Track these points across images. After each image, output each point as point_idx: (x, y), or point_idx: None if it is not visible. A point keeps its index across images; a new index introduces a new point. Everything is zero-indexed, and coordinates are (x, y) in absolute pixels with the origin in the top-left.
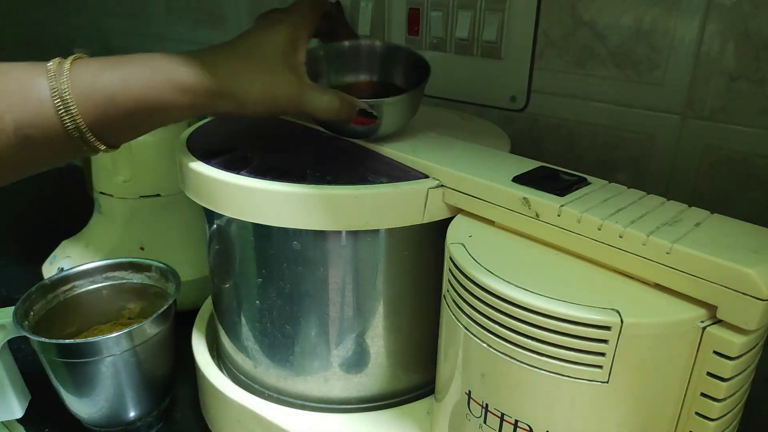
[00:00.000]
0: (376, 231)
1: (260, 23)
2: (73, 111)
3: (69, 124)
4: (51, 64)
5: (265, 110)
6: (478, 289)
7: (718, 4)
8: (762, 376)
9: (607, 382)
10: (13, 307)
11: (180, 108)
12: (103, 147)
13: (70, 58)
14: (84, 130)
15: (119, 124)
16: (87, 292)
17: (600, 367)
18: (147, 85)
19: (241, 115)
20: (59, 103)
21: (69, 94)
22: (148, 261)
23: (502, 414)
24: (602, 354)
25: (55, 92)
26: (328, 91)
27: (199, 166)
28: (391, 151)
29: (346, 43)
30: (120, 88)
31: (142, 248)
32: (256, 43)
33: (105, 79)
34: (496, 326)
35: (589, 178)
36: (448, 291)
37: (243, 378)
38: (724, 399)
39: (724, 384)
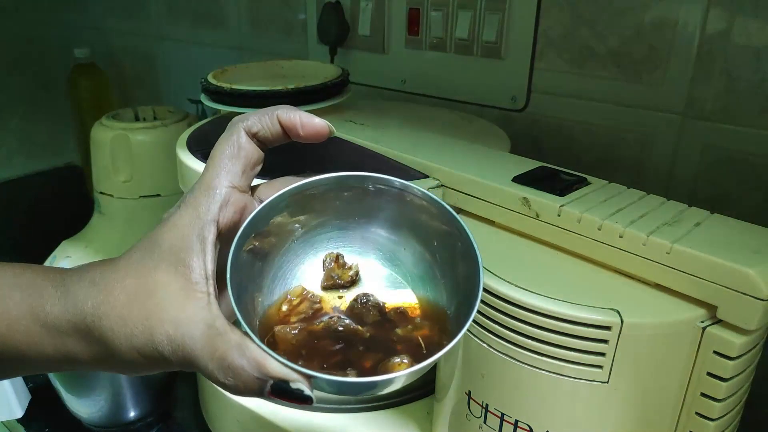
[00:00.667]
0: None
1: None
2: None
3: None
4: None
5: (143, 365)
6: None
7: (719, 4)
8: (762, 375)
9: (607, 382)
10: None
11: (43, 357)
12: None
13: None
14: None
15: None
16: None
17: (600, 367)
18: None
19: (119, 372)
20: None
21: None
22: None
23: (502, 414)
24: (602, 354)
25: None
26: (230, 340)
27: (199, 166)
28: (391, 151)
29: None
30: None
31: None
32: (147, 245)
33: None
34: (496, 326)
35: (589, 178)
36: None
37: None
38: (724, 399)
39: (724, 384)
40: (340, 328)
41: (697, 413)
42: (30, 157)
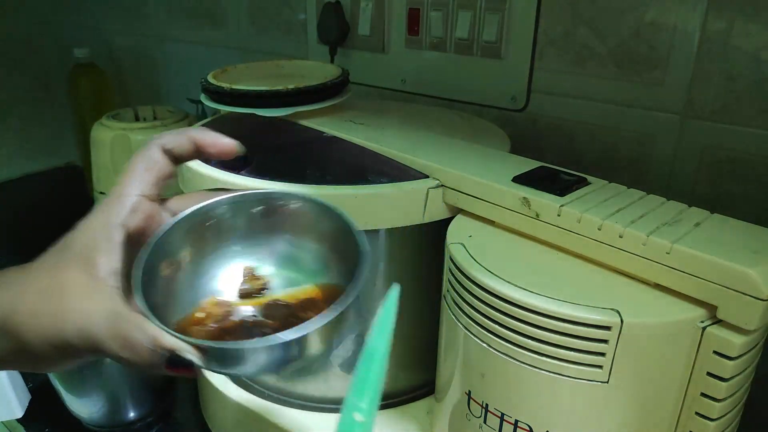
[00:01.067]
0: (376, 231)
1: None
2: None
3: None
4: None
5: (56, 357)
6: (478, 289)
7: (719, 4)
8: (762, 375)
9: (607, 382)
10: None
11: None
12: None
13: None
14: None
15: None
16: None
17: (600, 367)
18: None
19: (34, 370)
20: None
21: None
22: None
23: (502, 414)
24: (602, 354)
25: None
26: (130, 320)
27: (199, 166)
28: (391, 151)
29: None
30: None
31: None
32: (60, 247)
33: None
34: (496, 326)
35: (589, 178)
36: (448, 291)
37: (243, 378)
38: (724, 399)
39: (724, 384)
40: (251, 320)
41: (697, 413)
42: (30, 157)
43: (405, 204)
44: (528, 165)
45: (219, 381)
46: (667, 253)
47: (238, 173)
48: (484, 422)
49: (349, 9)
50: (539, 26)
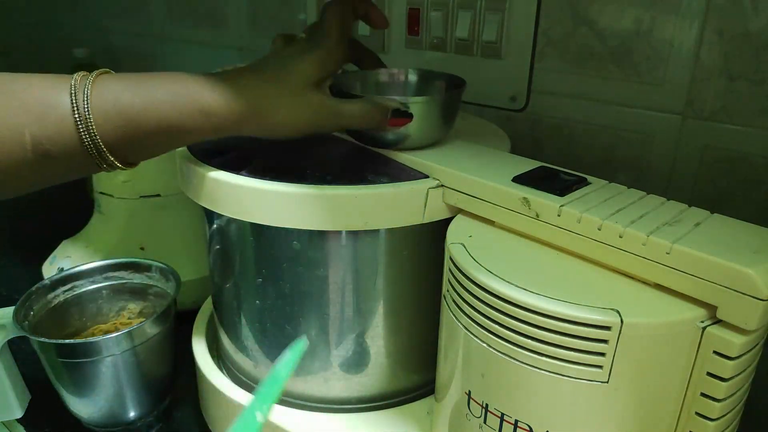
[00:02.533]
0: (376, 231)
1: (285, 49)
2: (92, 129)
3: (87, 141)
4: (75, 79)
5: (293, 132)
6: (478, 289)
7: (718, 4)
8: (762, 375)
9: (607, 382)
10: (13, 307)
11: (203, 131)
12: (120, 165)
13: (95, 72)
14: (102, 149)
15: (139, 145)
16: (87, 292)
17: (600, 367)
18: (170, 108)
19: (268, 137)
20: (79, 120)
21: (89, 112)
22: (148, 261)
23: (502, 414)
24: (602, 354)
25: (75, 109)
26: (356, 100)
27: (199, 166)
28: (391, 151)
29: (380, 71)
30: (141, 109)
31: (142, 248)
32: (285, 70)
33: (126, 99)
34: (496, 326)
35: (589, 178)
36: (448, 291)
37: (243, 378)
38: (724, 399)
39: (724, 384)
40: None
41: (697, 413)
42: None
43: (405, 204)
44: (528, 165)
45: (219, 381)
46: (667, 253)
47: (238, 173)
48: (484, 422)
49: None
50: (539, 26)
